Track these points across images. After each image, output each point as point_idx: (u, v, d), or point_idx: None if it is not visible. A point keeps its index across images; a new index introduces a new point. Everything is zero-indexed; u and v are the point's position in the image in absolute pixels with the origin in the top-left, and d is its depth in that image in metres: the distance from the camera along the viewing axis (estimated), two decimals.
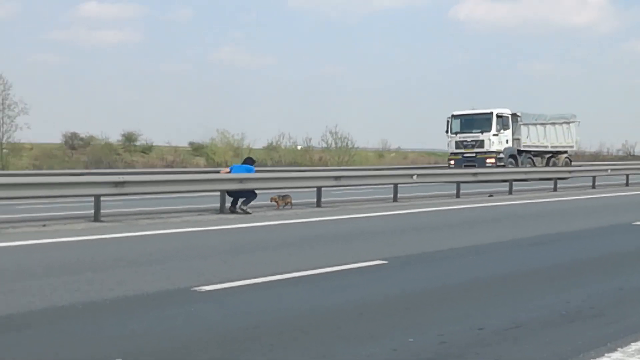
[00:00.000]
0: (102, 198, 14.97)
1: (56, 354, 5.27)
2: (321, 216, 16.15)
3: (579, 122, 41.36)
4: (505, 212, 18.21)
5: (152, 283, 7.88)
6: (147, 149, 53.60)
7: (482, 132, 36.07)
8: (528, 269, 9.47)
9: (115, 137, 53.43)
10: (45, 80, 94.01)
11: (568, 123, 40.61)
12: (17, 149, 43.67)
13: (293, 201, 18.28)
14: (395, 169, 31.45)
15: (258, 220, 15.03)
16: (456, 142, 37.02)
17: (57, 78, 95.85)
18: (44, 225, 13.57)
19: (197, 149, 54.68)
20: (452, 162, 36.52)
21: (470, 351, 5.45)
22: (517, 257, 10.69)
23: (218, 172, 19.67)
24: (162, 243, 11.51)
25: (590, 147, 68.81)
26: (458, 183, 23.58)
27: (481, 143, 36.06)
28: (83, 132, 52.36)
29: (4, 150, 42.19)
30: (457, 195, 23.01)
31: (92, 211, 14.74)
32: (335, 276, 8.63)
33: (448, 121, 37.39)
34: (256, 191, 17.36)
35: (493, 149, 35.72)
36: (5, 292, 7.30)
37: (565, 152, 40.43)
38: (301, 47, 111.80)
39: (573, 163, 40.16)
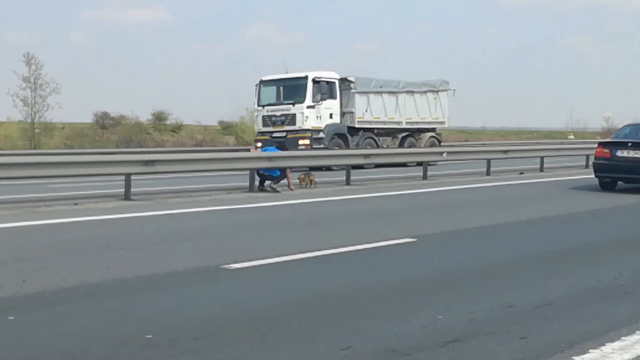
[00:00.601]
0: (132, 177, 15.05)
1: (88, 330, 5.33)
2: (350, 194, 16.13)
3: (454, 90, 32.76)
4: (535, 190, 18.05)
5: (182, 261, 7.93)
6: (176, 128, 53.75)
7: (293, 104, 27.33)
8: (559, 247, 9.40)
9: (145, 117, 53.60)
10: (76, 60, 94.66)
11: (435, 92, 31.71)
12: (48, 128, 44.00)
13: (323, 180, 18.26)
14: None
15: (287, 199, 15.04)
16: (263, 117, 28.25)
17: (89, 57, 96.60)
18: (75, 204, 13.69)
19: (226, 127, 54.74)
20: (259, 144, 26.16)
21: (500, 328, 5.43)
22: (548, 234, 10.62)
23: (248, 150, 19.71)
24: (191, 221, 11.57)
25: (623, 123, 68.08)
26: (488, 160, 23.42)
27: (292, 118, 27.26)
28: (114, 112, 52.56)
29: (36, 130, 42.55)
30: (488, 173, 22.87)
31: (123, 190, 14.83)
32: (364, 254, 8.63)
33: (256, 88, 28.70)
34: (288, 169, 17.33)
35: (307, 126, 27.02)
36: (38, 270, 7.39)
37: (433, 129, 32.07)
38: (332, 25, 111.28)
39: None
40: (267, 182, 16.88)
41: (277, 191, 16.55)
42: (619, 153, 16.79)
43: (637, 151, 16.52)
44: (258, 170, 17.00)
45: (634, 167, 16.43)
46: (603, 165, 17.27)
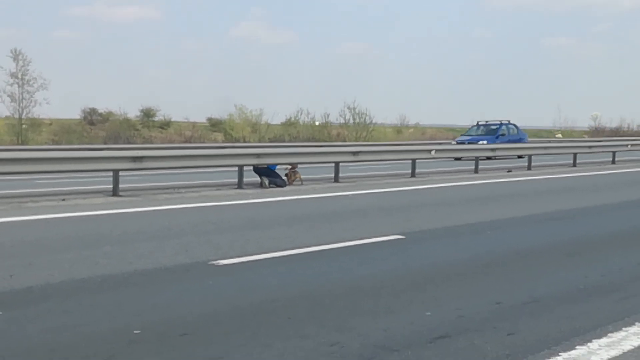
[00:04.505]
0: (120, 173, 15.02)
1: (75, 326, 5.31)
2: (339, 191, 16.14)
3: None
4: (524, 188, 18.11)
5: (170, 257, 7.92)
6: (165, 125, 53.62)
7: None
8: (546, 244, 9.43)
9: (133, 113, 53.43)
10: (64, 56, 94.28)
11: None
12: (36, 124, 43.77)
13: (311, 177, 18.28)
14: (414, 144, 31.26)
15: (276, 195, 15.04)
16: None
17: (77, 54, 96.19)
18: (63, 200, 13.64)
19: (215, 124, 54.65)
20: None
21: (488, 325, 5.45)
22: (535, 232, 10.65)
23: (235, 147, 19.70)
24: (180, 217, 11.55)
25: (611, 122, 68.32)
26: (476, 159, 23.47)
27: None
28: (102, 108, 52.42)
29: (24, 126, 42.34)
30: (476, 171, 22.91)
31: (111, 186, 14.80)
32: (353, 251, 8.63)
33: None
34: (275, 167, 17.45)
35: None
36: (24, 266, 7.36)
37: None
38: (321, 23, 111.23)
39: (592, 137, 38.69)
40: (266, 182, 16.96)
41: (267, 187, 16.67)
42: None
43: None
44: (255, 167, 17.17)
45: None
46: None
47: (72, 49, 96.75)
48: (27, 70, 42.38)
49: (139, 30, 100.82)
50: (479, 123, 37.65)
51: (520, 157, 29.01)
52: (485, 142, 31.84)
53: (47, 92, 43.23)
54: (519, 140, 34.21)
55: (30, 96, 42.48)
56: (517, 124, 37.17)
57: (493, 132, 35.53)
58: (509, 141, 33.22)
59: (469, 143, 31.66)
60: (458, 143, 32.95)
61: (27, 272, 7.05)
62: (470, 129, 38.30)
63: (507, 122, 36.37)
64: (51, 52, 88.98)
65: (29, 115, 42.96)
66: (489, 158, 26.53)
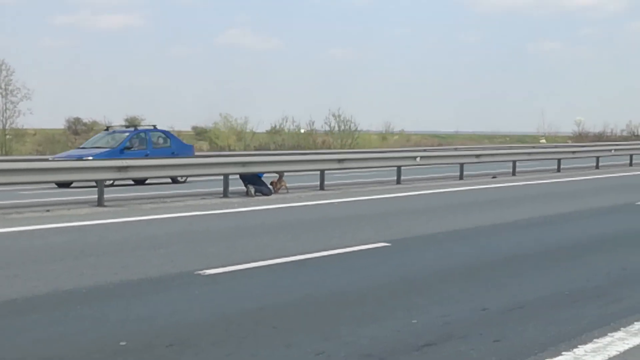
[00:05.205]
0: (105, 183, 14.96)
1: (61, 337, 5.29)
2: (324, 199, 16.15)
3: None
4: (508, 193, 18.18)
5: (156, 267, 7.90)
6: None
7: None
8: (531, 250, 9.47)
9: (118, 122, 53.22)
10: (48, 66, 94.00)
11: None
12: (20, 134, 43.67)
13: (297, 185, 18.30)
14: (399, 151, 31.28)
15: (261, 204, 15.03)
16: None
17: (61, 63, 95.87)
18: (48, 211, 13.58)
19: (200, 133, 54.64)
20: None
21: (474, 331, 5.46)
22: (520, 238, 10.69)
23: (221, 155, 19.66)
24: (165, 227, 11.52)
25: (594, 127, 68.65)
26: (461, 165, 23.54)
27: None
28: (86, 118, 52.31)
29: (7, 136, 42.18)
30: (461, 177, 22.98)
31: (96, 196, 14.74)
32: (339, 259, 8.64)
33: None
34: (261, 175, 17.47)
35: None
36: (9, 277, 7.32)
37: None
38: (306, 30, 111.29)
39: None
40: (252, 190, 16.94)
41: (267, 194, 16.73)
42: None
43: None
44: (241, 175, 17.17)
45: None
46: None
47: (55, 58, 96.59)
48: (11, 80, 42.29)
49: (124, 38, 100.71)
50: (110, 128, 26.46)
51: (175, 180, 21.91)
52: (91, 157, 20.18)
53: (31, 101, 43.15)
54: (172, 155, 22.68)
55: (14, 106, 42.38)
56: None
57: (117, 143, 23.41)
58: (148, 155, 21.95)
59: (67, 159, 20.50)
60: (57, 159, 20.12)
61: (12, 284, 7.01)
62: (96, 136, 26.43)
63: (153, 127, 25.36)
64: (35, 61, 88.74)
65: (13, 125, 42.85)
66: (113, 183, 19.04)
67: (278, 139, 50.76)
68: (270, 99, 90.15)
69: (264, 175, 17.76)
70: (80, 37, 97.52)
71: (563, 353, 4.94)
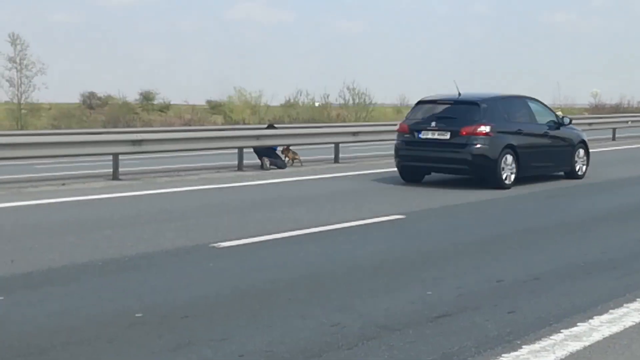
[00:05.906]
0: (120, 156, 15.00)
1: (77, 309, 5.33)
2: (339, 172, 16.13)
3: None
4: None
5: (171, 240, 7.93)
6: (164, 108, 53.47)
7: None
8: (545, 222, 9.44)
9: (132, 97, 53.24)
10: (63, 40, 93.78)
11: None
12: (35, 109, 43.69)
13: (312, 158, 18.30)
14: None
15: (275, 177, 15.03)
16: None
17: (75, 37, 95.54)
18: (63, 184, 13.63)
19: (214, 107, 54.49)
20: None
21: (488, 303, 5.45)
22: (535, 210, 10.65)
23: (235, 129, 19.61)
24: (180, 200, 11.54)
25: (611, 99, 68.10)
26: None
27: None
28: (101, 92, 52.20)
29: (23, 111, 42.28)
30: None
31: (111, 170, 14.77)
32: (354, 231, 8.64)
33: None
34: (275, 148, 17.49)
35: None
36: (25, 250, 7.36)
37: None
38: (320, 2, 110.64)
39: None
40: (267, 162, 16.95)
41: (282, 167, 16.78)
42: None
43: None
44: (255, 148, 17.17)
45: None
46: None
47: (69, 33, 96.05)
48: (25, 54, 42.24)
49: (137, 12, 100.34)
50: None
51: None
52: None
53: (46, 76, 43.07)
54: None
55: (29, 81, 42.37)
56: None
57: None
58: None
59: None
60: None
61: (28, 257, 7.05)
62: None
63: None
64: (49, 36, 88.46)
65: (28, 100, 42.89)
66: None
67: (292, 113, 50.62)
68: (283, 72, 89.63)
69: (278, 148, 17.75)
70: (94, 12, 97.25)
71: (578, 324, 4.93)
